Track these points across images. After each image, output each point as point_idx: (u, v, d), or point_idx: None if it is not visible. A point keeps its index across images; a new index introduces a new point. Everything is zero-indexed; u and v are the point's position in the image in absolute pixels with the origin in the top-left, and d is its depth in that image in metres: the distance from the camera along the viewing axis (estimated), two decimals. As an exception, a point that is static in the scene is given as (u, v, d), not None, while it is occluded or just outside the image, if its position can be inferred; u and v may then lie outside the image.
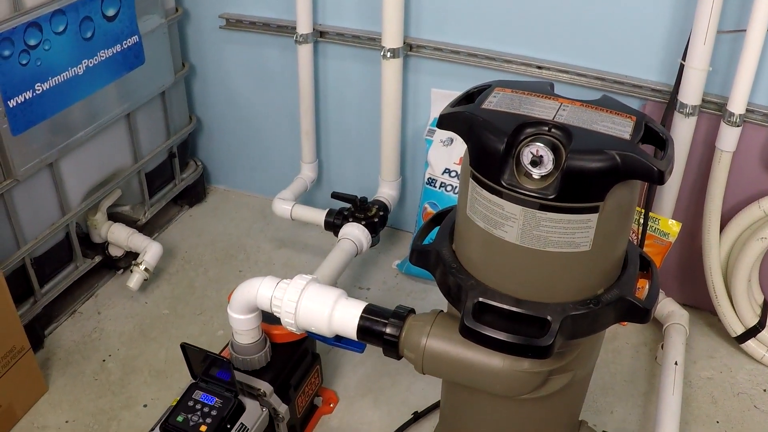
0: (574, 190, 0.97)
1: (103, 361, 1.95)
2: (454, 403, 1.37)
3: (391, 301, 2.10)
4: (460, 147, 1.98)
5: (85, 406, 1.83)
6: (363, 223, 2.00)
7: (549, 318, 1.06)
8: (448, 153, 1.99)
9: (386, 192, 2.17)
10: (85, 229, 2.15)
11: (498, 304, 1.09)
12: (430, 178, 2.03)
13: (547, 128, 0.99)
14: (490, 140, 0.99)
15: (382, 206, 2.10)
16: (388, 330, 1.23)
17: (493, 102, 1.05)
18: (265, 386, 1.49)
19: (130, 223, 2.22)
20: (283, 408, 1.52)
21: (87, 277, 2.16)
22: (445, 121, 1.08)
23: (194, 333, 2.04)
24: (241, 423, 1.40)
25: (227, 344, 1.56)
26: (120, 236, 2.13)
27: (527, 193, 0.98)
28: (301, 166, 2.32)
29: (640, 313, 1.10)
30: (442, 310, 1.26)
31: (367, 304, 1.28)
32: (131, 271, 2.10)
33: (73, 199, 1.98)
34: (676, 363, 1.73)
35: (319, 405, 1.79)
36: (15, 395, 1.76)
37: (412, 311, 1.27)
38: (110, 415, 1.81)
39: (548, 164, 0.97)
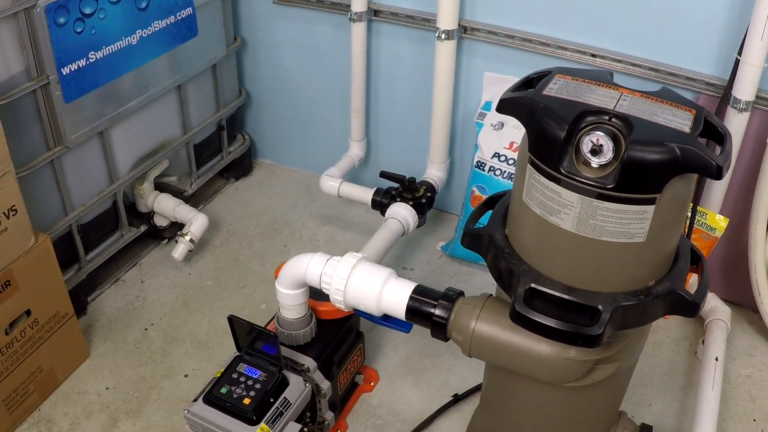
0: (633, 180, 0.98)
1: (145, 329, 1.99)
2: (497, 388, 1.39)
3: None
4: (510, 131, 1.99)
5: (126, 373, 1.88)
6: (410, 203, 2.02)
7: (600, 307, 1.07)
8: (498, 137, 2.01)
9: (434, 173, 2.19)
10: (132, 199, 2.20)
11: (549, 291, 1.10)
12: (479, 161, 2.04)
13: (608, 117, 1.00)
14: (551, 127, 1.00)
15: (430, 187, 2.11)
16: (437, 312, 1.26)
17: (554, 89, 1.06)
18: (309, 362, 1.52)
19: (177, 193, 2.26)
20: (325, 384, 1.55)
21: (131, 246, 2.21)
22: (505, 106, 1.09)
23: (237, 305, 2.07)
24: (285, 398, 1.44)
25: (273, 318, 1.60)
26: (166, 206, 2.17)
27: (585, 181, 0.99)
28: (350, 144, 2.34)
29: (690, 307, 1.11)
30: (491, 294, 1.28)
31: (417, 284, 1.30)
32: (176, 242, 2.14)
33: (121, 168, 2.02)
34: (716, 359, 1.73)
35: (360, 383, 1.82)
36: (57, 360, 1.81)
37: (461, 294, 1.29)
38: (151, 384, 1.85)
39: (608, 154, 0.98)
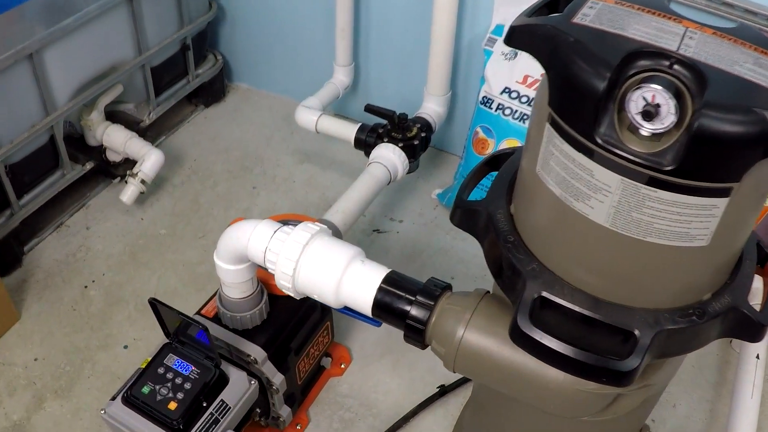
0: (704, 161, 0.65)
1: (85, 287, 1.69)
2: (492, 397, 1.08)
3: (426, 240, 1.80)
4: (525, 62, 1.64)
5: (59, 341, 1.58)
6: (400, 144, 1.68)
7: (637, 332, 0.76)
8: (509, 68, 1.65)
9: (432, 108, 1.84)
10: (80, 130, 1.86)
11: (567, 303, 0.78)
12: (485, 97, 1.69)
13: (668, 63, 0.66)
14: (585, 73, 0.66)
15: (425, 125, 1.77)
16: (413, 311, 0.94)
17: (590, 15, 0.72)
18: (256, 352, 1.21)
19: (133, 124, 1.93)
20: (278, 378, 1.25)
21: (79, 186, 1.89)
22: (517, 37, 0.75)
23: (192, 259, 1.76)
24: (222, 400, 1.13)
25: (216, 293, 1.28)
26: (116, 140, 1.84)
27: (632, 157, 0.66)
28: (334, 69, 2.00)
29: (753, 329, 0.80)
30: (488, 291, 0.96)
31: (389, 270, 0.98)
32: (126, 182, 1.81)
33: (59, 96, 1.68)
34: (757, 356, 1.41)
35: (327, 366, 1.51)
36: (-23, 326, 1.52)
37: (448, 288, 0.96)
38: (85, 355, 1.55)
39: (668, 118, 0.64)
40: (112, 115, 1.91)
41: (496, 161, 0.98)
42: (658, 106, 0.64)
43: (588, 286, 0.78)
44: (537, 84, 1.60)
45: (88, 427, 1.44)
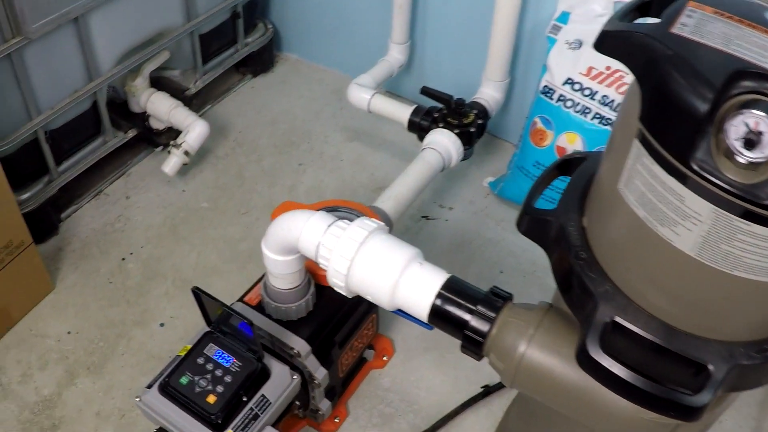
0: (808, 197, 0.61)
1: (123, 259, 1.68)
2: (539, 407, 1.05)
3: (475, 229, 1.76)
4: (590, 54, 1.58)
5: (94, 314, 1.57)
6: (456, 131, 1.64)
7: (711, 367, 0.72)
8: (573, 59, 1.60)
9: (489, 93, 1.80)
10: (123, 96, 1.84)
11: (641, 331, 0.75)
12: (546, 86, 1.64)
13: (776, 86, 0.62)
14: (685, 92, 0.62)
15: (482, 112, 1.73)
16: (473, 322, 0.91)
17: (689, 26, 0.67)
18: (300, 345, 1.19)
19: (178, 91, 1.91)
20: (321, 373, 1.23)
21: (120, 152, 1.87)
22: (610, 43, 0.71)
23: (234, 235, 1.74)
24: (263, 395, 1.11)
25: (260, 279, 1.26)
26: (160, 108, 1.82)
27: (728, 187, 0.62)
28: (389, 47, 1.96)
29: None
30: (551, 305, 0.92)
31: (448, 276, 0.95)
32: (169, 152, 1.79)
33: (103, 62, 1.66)
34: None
35: (370, 359, 1.49)
36: (10, 297, 1.51)
37: (509, 299, 0.93)
38: (120, 331, 1.54)
39: (770, 148, 0.60)
40: (157, 82, 1.89)
41: (567, 165, 0.94)
42: (760, 133, 0.60)
43: (663, 314, 0.75)
44: (601, 77, 1.55)
45: (120, 407, 1.43)
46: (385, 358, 1.50)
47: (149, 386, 1.12)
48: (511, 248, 1.73)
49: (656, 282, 0.73)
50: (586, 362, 0.76)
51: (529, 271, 1.68)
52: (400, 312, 0.98)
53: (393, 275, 0.94)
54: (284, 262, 1.11)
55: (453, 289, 0.93)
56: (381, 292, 0.95)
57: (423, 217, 1.79)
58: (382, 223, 1.00)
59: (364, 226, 0.98)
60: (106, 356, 1.50)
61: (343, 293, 1.00)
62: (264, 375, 1.12)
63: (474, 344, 0.91)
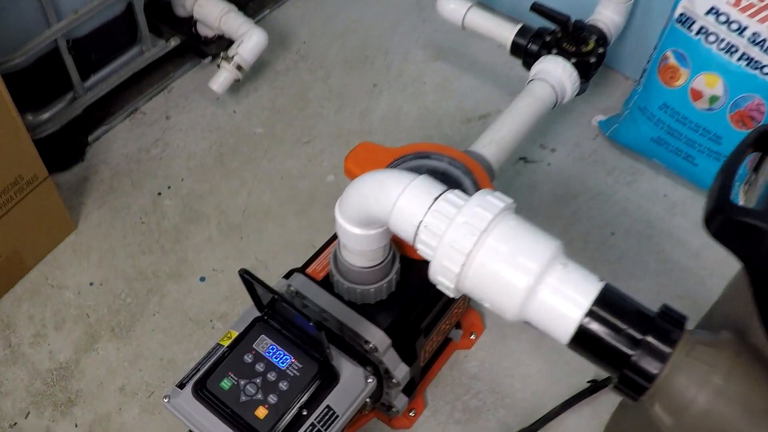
0: None
1: (159, 194, 1.43)
2: None
3: (582, 179, 1.48)
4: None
5: (121, 263, 1.33)
6: (572, 60, 1.34)
7: None
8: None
9: (609, 17, 1.48)
10: (169, -2, 1.58)
11: None
12: (684, 14, 1.33)
13: None
14: None
15: (601, 37, 1.42)
16: (639, 359, 0.64)
17: None
18: (378, 338, 0.93)
19: (234, -9, 1.63)
20: (401, 371, 0.97)
21: (161, 64, 1.61)
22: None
23: (293, 171, 1.48)
24: (327, 406, 0.86)
25: (327, 245, 1.00)
26: (210, 12, 1.54)
27: None
28: (487, -51, 1.64)
29: None
30: (740, 336, 0.65)
31: (603, 285, 0.67)
32: (218, 66, 1.52)
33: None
34: None
35: (456, 339, 1.23)
36: (23, 240, 1.28)
37: (684, 324, 0.66)
38: (152, 285, 1.31)
39: None
40: (208, -20, 1.61)
41: None
42: None
43: None
44: (753, 9, 1.27)
45: (149, 382, 1.20)
46: (472, 337, 1.25)
47: (180, 385, 0.88)
48: (624, 205, 1.44)
49: None
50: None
51: (645, 234, 1.39)
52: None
53: (527, 280, 0.67)
54: (365, 237, 0.84)
55: (610, 304, 0.66)
56: (506, 302, 0.69)
57: (521, 158, 1.51)
58: (510, 200, 0.72)
59: (488, 205, 0.70)
60: (134, 316, 1.27)
61: (449, 294, 0.73)
62: (330, 380, 0.87)
63: (634, 387, 0.64)
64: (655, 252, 1.37)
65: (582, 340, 0.66)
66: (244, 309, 0.92)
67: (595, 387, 1.20)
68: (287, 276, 1.00)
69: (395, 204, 0.75)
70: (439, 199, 0.73)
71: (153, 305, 1.28)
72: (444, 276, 0.71)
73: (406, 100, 1.61)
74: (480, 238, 0.68)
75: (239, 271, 0.81)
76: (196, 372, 0.88)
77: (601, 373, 1.20)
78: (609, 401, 1.19)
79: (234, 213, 1.40)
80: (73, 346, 1.23)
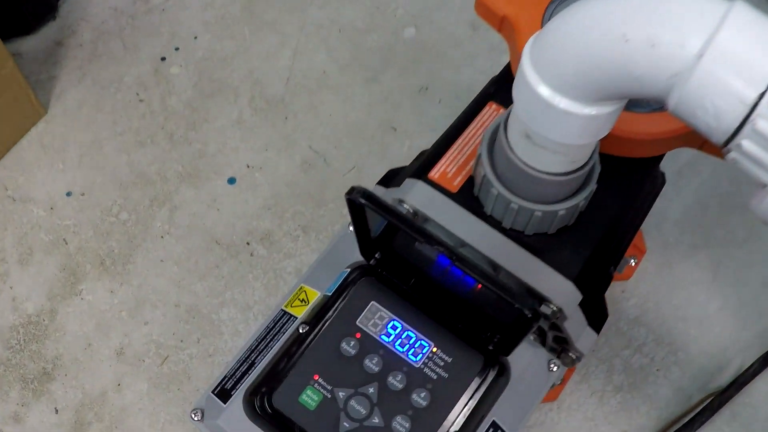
0: None
1: (162, 59, 1.05)
2: None
3: None
4: None
5: (111, 162, 0.97)
6: None
7: None
8: None
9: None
10: None
11: None
12: None
13: None
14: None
15: None
16: None
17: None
18: (565, 296, 0.54)
19: None
20: (587, 341, 0.59)
21: None
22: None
23: (355, 20, 1.09)
24: (493, 423, 0.48)
25: (466, 120, 0.60)
26: None
27: None
28: None
29: None
30: None
31: None
32: None
33: None
34: None
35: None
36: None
37: None
38: (157, 193, 0.94)
39: None
40: None
41: None
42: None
43: None
44: None
45: (160, 341, 0.85)
46: (632, 263, 0.86)
47: (221, 392, 0.51)
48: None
49: None
50: None
51: None
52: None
53: None
54: (595, 119, 0.43)
55: None
56: None
57: None
58: None
59: None
60: (132, 241, 0.90)
61: None
62: (498, 374, 0.49)
63: None
64: None
65: None
66: (329, 244, 0.53)
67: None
68: (385, 182, 0.61)
69: (706, 50, 0.34)
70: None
71: (160, 223, 0.90)
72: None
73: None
74: None
75: (348, 195, 0.41)
76: (248, 368, 0.50)
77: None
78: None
79: (273, 83, 1.01)
80: (45, 289, 0.87)
